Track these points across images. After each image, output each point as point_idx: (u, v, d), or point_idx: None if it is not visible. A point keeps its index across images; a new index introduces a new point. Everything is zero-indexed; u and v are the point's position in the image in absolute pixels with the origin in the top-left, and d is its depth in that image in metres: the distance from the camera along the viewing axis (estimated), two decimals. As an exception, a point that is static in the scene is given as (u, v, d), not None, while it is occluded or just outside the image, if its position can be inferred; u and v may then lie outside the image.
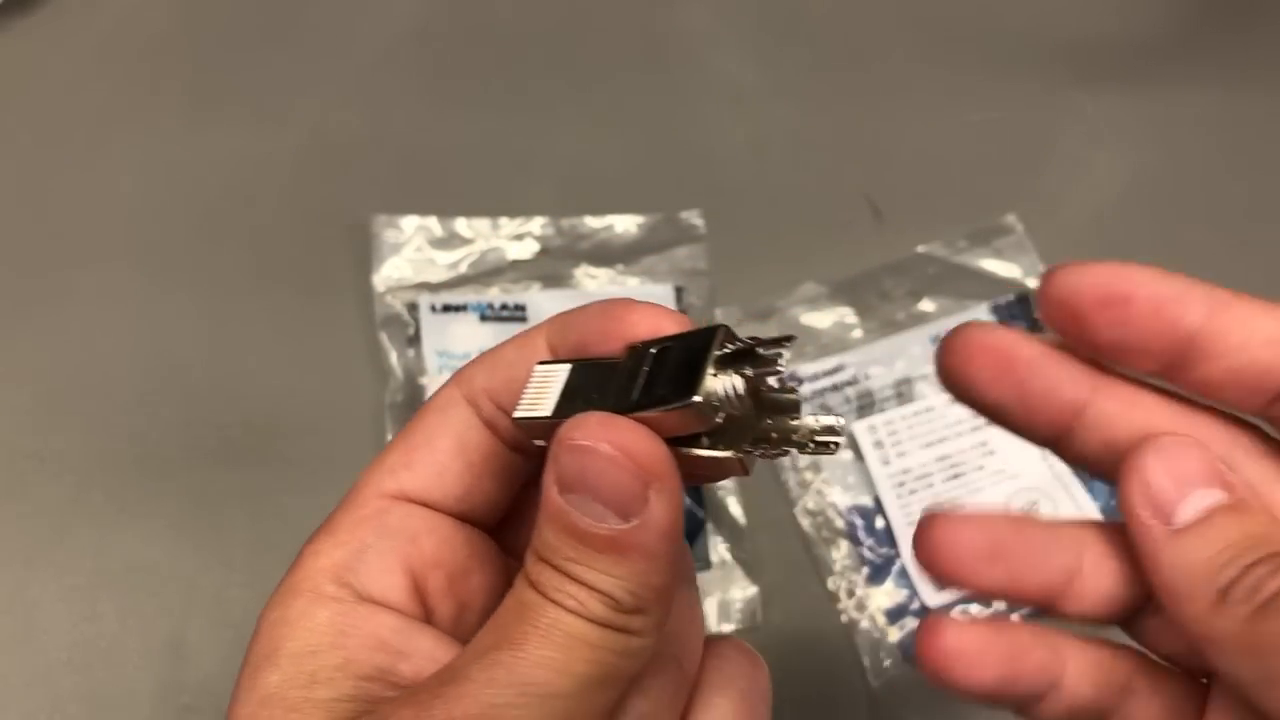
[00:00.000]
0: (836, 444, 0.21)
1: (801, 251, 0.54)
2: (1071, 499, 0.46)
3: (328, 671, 0.22)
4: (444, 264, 0.52)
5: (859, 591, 0.45)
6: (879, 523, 0.47)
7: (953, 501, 0.24)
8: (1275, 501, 0.23)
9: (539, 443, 0.22)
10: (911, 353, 0.50)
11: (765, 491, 0.48)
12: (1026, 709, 0.25)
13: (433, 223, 0.53)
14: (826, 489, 0.47)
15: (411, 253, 0.52)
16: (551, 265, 0.52)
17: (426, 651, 0.23)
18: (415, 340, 0.50)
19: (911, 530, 0.47)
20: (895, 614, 0.45)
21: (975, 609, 0.45)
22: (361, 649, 0.23)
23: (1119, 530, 0.24)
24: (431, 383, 0.48)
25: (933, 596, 0.45)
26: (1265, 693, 0.20)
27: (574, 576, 0.21)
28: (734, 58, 0.60)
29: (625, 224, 0.53)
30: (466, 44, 0.61)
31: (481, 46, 0.61)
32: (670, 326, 0.23)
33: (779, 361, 0.21)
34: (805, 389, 0.49)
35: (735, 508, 0.47)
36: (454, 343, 0.49)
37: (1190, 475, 0.22)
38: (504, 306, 0.51)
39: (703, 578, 0.46)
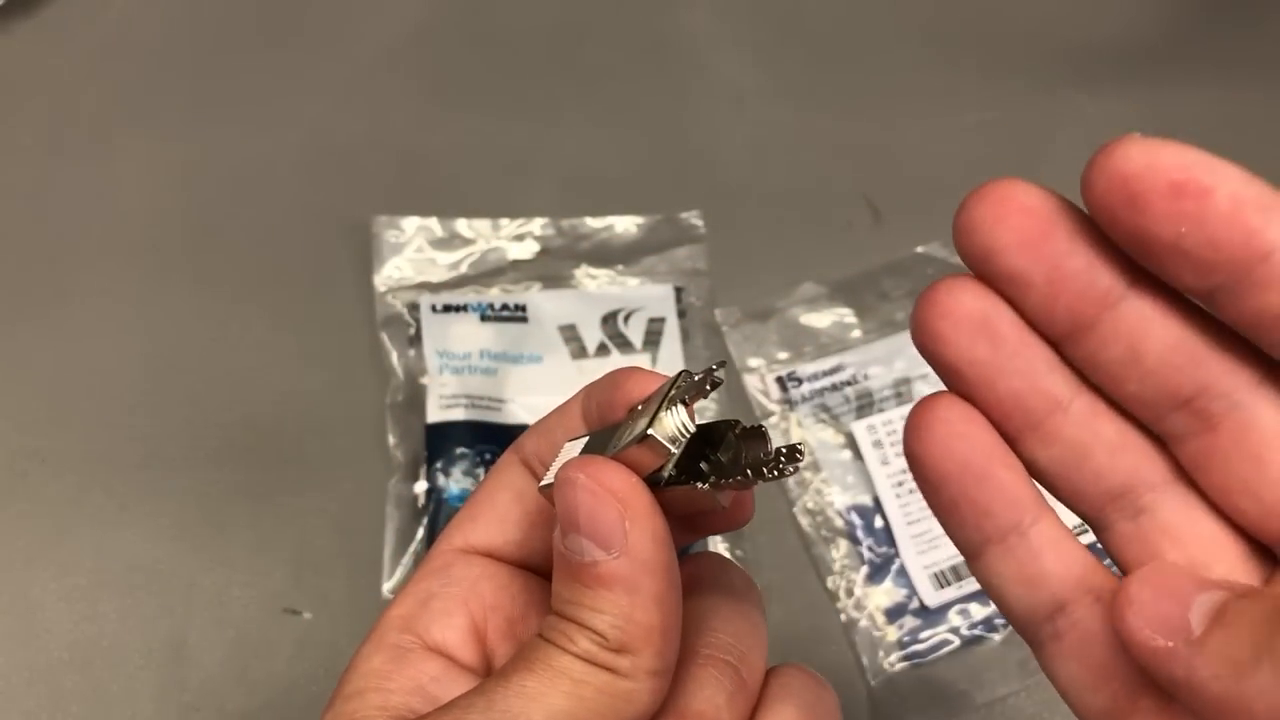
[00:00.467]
0: (794, 468, 0.22)
1: (801, 252, 0.54)
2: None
3: (367, 710, 0.24)
4: (445, 264, 0.52)
5: (858, 591, 0.46)
6: (878, 522, 0.47)
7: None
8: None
9: None
10: (911, 353, 0.50)
11: (764, 491, 0.48)
12: (977, 552, 0.23)
13: (433, 223, 0.53)
14: (825, 488, 0.48)
15: (412, 253, 0.52)
16: (552, 265, 0.52)
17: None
18: (416, 340, 0.50)
19: (910, 529, 0.47)
20: (894, 613, 0.45)
21: (974, 607, 0.45)
22: (400, 692, 0.24)
23: (1121, 415, 0.22)
24: (432, 383, 0.49)
25: (932, 596, 0.45)
26: None
27: (569, 616, 0.22)
28: (734, 59, 0.60)
29: (625, 224, 0.54)
30: (467, 45, 0.61)
31: (482, 48, 0.61)
32: (656, 385, 0.24)
33: (707, 384, 0.23)
34: (804, 389, 0.50)
35: (735, 507, 0.47)
36: (455, 343, 0.50)
37: (1183, 588, 0.20)
38: (504, 307, 0.51)
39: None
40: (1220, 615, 0.20)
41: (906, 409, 0.48)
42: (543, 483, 0.25)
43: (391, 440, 0.48)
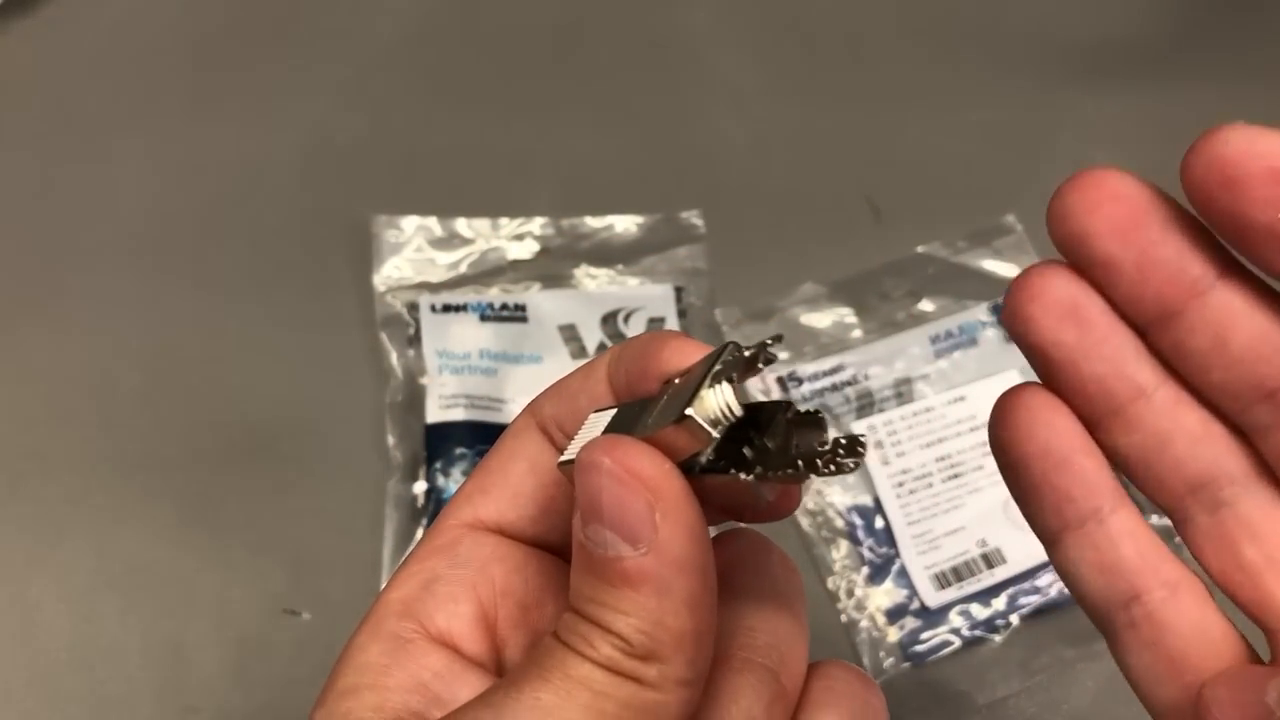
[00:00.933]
0: (855, 463, 0.20)
1: (801, 251, 0.54)
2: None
3: (362, 711, 0.22)
4: (444, 264, 0.52)
5: (858, 591, 0.46)
6: (878, 522, 0.47)
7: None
8: None
9: None
10: (911, 353, 0.50)
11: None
12: (1055, 538, 0.23)
13: (433, 223, 0.53)
14: (826, 488, 0.48)
15: (412, 253, 0.52)
16: (552, 265, 0.52)
17: (465, 698, 0.22)
18: (415, 340, 0.50)
19: (910, 529, 0.47)
20: (894, 614, 0.45)
21: (975, 608, 0.45)
22: (399, 690, 0.22)
23: (1205, 408, 0.22)
24: (431, 383, 0.48)
25: (933, 597, 0.45)
26: None
27: (589, 617, 0.20)
28: (734, 58, 0.60)
29: (625, 224, 0.53)
30: (467, 44, 0.61)
31: (482, 47, 0.61)
32: (697, 355, 0.22)
33: (759, 361, 0.21)
34: (805, 389, 0.50)
35: (735, 508, 0.47)
36: (454, 343, 0.50)
37: (1257, 678, 0.20)
38: (504, 306, 0.51)
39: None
40: None
41: (907, 409, 0.49)
42: (562, 458, 0.22)
43: (391, 440, 0.48)
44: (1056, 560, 0.23)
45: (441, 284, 0.51)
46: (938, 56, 0.61)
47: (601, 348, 0.50)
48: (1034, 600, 0.45)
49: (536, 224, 0.53)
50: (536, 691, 0.19)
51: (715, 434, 0.20)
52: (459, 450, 0.47)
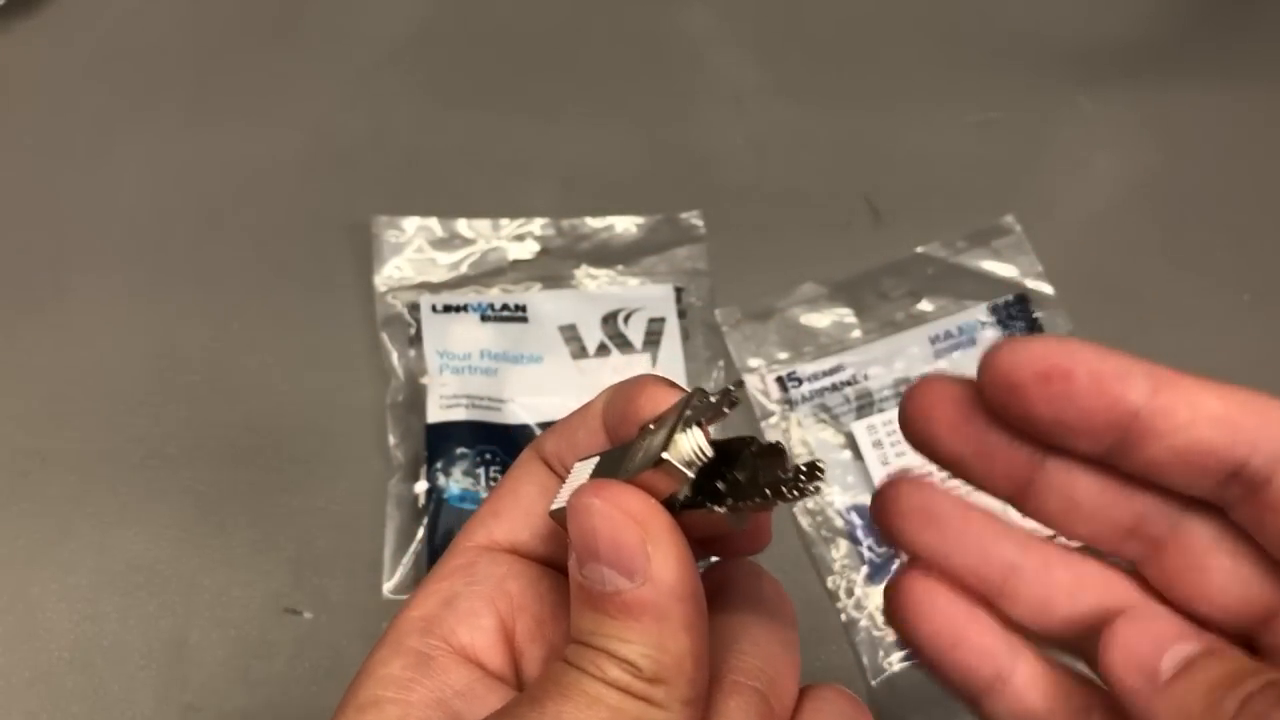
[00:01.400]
0: (815, 487, 0.22)
1: (801, 252, 0.54)
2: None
3: None
4: (445, 264, 0.52)
5: (858, 590, 0.46)
6: (878, 522, 0.47)
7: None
8: (1212, 589, 0.23)
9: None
10: (910, 353, 0.50)
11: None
12: (974, 700, 0.24)
13: (434, 223, 0.53)
14: (825, 488, 0.48)
15: (413, 253, 0.52)
16: (552, 265, 0.53)
17: (485, 714, 0.23)
18: (416, 340, 0.50)
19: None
20: (894, 613, 0.45)
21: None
22: (421, 704, 0.23)
23: (1075, 556, 0.24)
24: (432, 383, 0.49)
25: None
26: None
27: (596, 647, 0.21)
28: (734, 59, 0.60)
29: (626, 224, 0.54)
30: (468, 46, 0.61)
31: (483, 48, 0.61)
32: (669, 400, 0.24)
33: (725, 406, 0.22)
34: (804, 389, 0.50)
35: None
36: (455, 343, 0.50)
37: (1163, 635, 0.22)
38: (505, 307, 0.51)
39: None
40: (1188, 666, 0.21)
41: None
42: (554, 506, 0.24)
43: (392, 440, 0.48)
44: (1033, 502, 0.24)
45: (442, 284, 0.52)
46: (936, 57, 0.61)
47: (602, 348, 0.50)
48: (1033, 600, 0.45)
49: (537, 224, 0.53)
50: (559, 706, 0.21)
51: (690, 474, 0.22)
52: (460, 450, 0.47)
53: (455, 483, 0.46)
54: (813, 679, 0.45)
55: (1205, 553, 0.23)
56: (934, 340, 0.50)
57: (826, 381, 0.50)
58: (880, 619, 0.45)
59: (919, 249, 0.53)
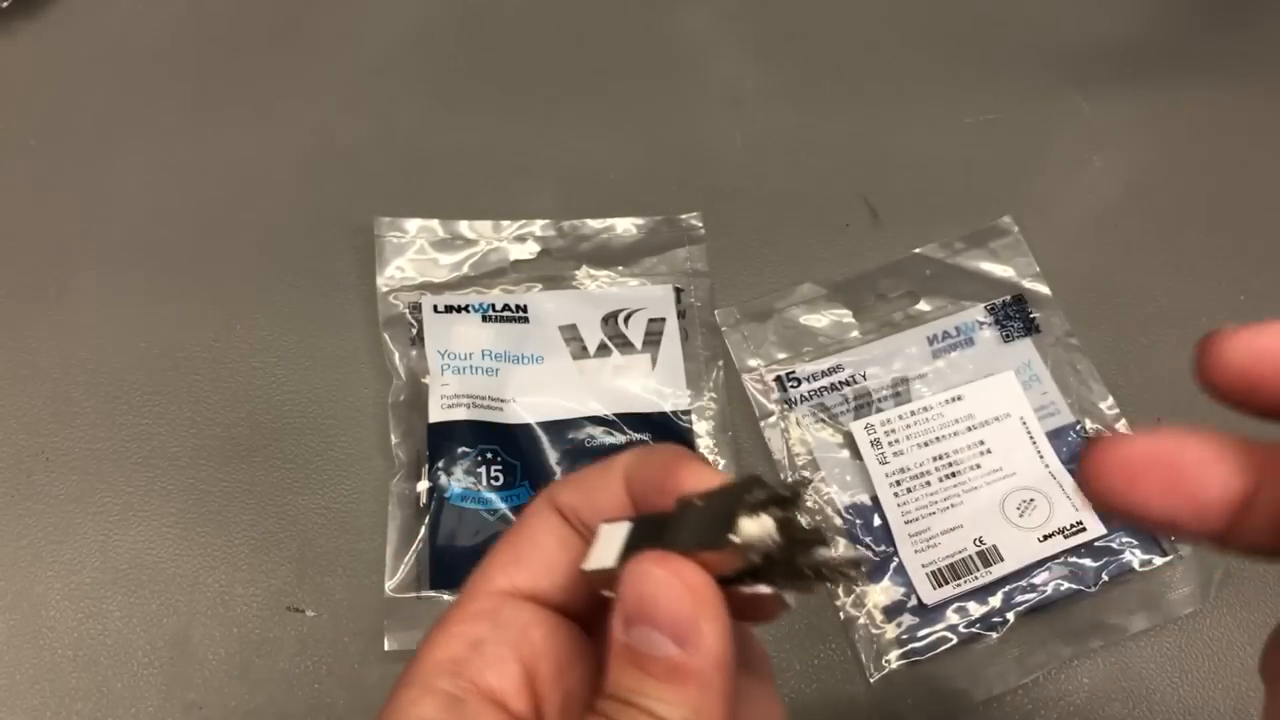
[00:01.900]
0: (856, 576, 0.23)
1: (800, 253, 0.54)
2: (1068, 497, 0.47)
3: None
4: (446, 265, 0.52)
5: (857, 589, 0.46)
6: (876, 521, 0.47)
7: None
8: None
9: (606, 593, 0.24)
10: (908, 353, 0.51)
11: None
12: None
13: (435, 224, 0.53)
14: (824, 487, 0.48)
15: (414, 254, 0.52)
16: (553, 266, 0.53)
17: None
18: (418, 340, 0.50)
19: (908, 528, 0.48)
20: (892, 611, 0.45)
21: (972, 605, 0.45)
22: None
23: None
24: (434, 382, 0.49)
25: (929, 594, 0.45)
26: None
27: (636, 706, 0.22)
28: (733, 62, 0.61)
29: (626, 225, 0.54)
30: (469, 48, 0.61)
31: (484, 51, 0.61)
32: (713, 480, 0.25)
33: (800, 500, 0.23)
34: (803, 389, 0.50)
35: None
36: (456, 343, 0.50)
37: None
38: (506, 307, 0.51)
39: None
40: None
41: (904, 408, 0.49)
42: (588, 566, 0.25)
43: (394, 440, 0.48)
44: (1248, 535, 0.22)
45: (444, 285, 0.52)
46: (935, 59, 0.61)
47: (602, 348, 0.50)
48: (1030, 598, 0.45)
49: (538, 225, 0.54)
50: None
51: (754, 558, 0.23)
52: (461, 449, 0.47)
53: (457, 482, 0.47)
54: (811, 676, 0.45)
55: None
56: (932, 340, 0.51)
57: (825, 381, 0.50)
58: (879, 617, 0.45)
59: (917, 250, 0.53)
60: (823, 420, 0.49)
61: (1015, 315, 0.51)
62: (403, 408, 0.49)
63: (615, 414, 0.49)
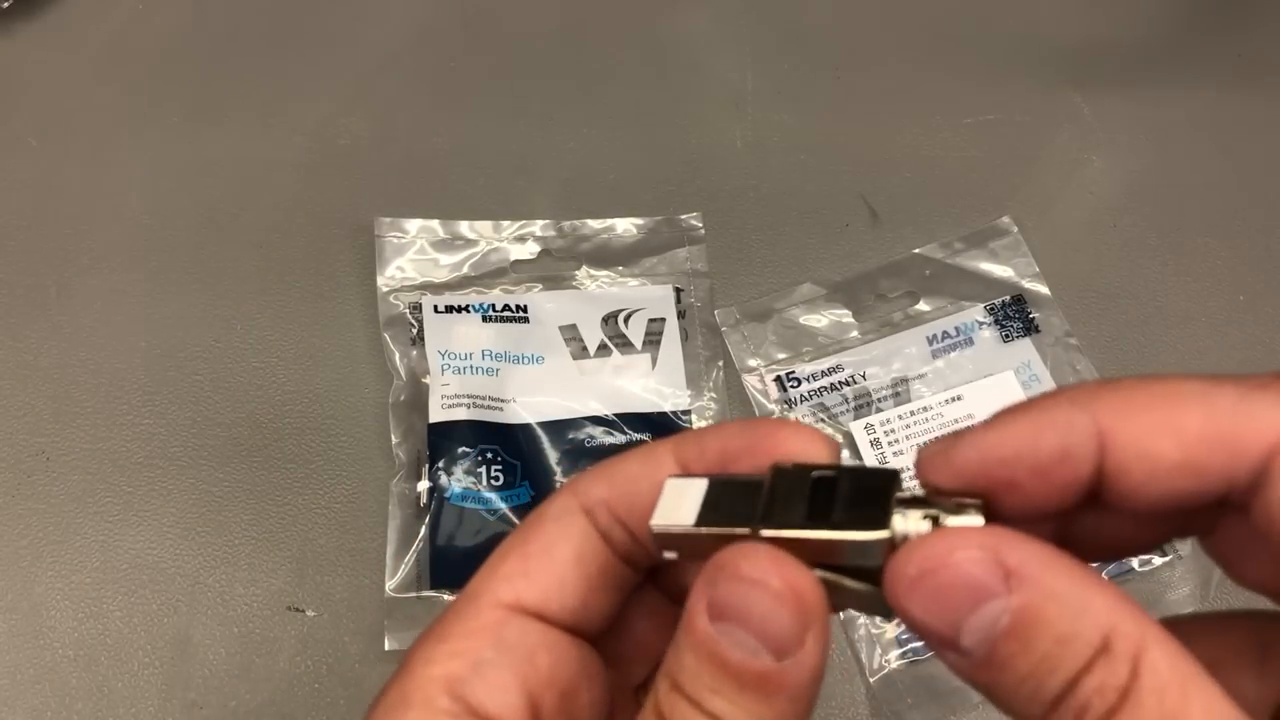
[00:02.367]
0: None
1: (799, 253, 0.54)
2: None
3: None
4: (447, 265, 0.53)
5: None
6: (876, 521, 0.47)
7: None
8: None
9: (669, 554, 0.22)
10: (908, 353, 0.51)
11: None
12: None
13: (436, 224, 0.53)
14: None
15: (415, 254, 0.53)
16: (553, 266, 0.53)
17: None
18: (418, 340, 0.50)
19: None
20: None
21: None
22: None
23: None
24: (434, 382, 0.49)
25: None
26: None
27: (709, 709, 0.20)
28: (733, 63, 0.61)
29: (626, 226, 0.54)
30: (470, 49, 0.61)
31: (484, 51, 0.61)
32: (823, 451, 0.22)
33: (970, 514, 0.21)
34: (803, 389, 0.50)
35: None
36: (457, 343, 0.50)
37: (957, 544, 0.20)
38: (506, 307, 0.51)
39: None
40: None
41: (904, 408, 0.49)
42: (658, 522, 0.22)
43: (394, 439, 0.48)
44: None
45: (444, 285, 0.52)
46: (934, 60, 0.61)
47: (602, 348, 0.50)
48: (1030, 597, 0.45)
49: (538, 226, 0.54)
50: None
51: (875, 559, 0.20)
52: (462, 449, 0.47)
53: (457, 482, 0.47)
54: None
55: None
56: (931, 340, 0.51)
57: (825, 381, 0.50)
58: (877, 618, 0.45)
59: (916, 250, 0.53)
60: (822, 420, 0.49)
61: (1015, 315, 0.51)
62: (403, 408, 0.49)
63: (615, 414, 0.49)
